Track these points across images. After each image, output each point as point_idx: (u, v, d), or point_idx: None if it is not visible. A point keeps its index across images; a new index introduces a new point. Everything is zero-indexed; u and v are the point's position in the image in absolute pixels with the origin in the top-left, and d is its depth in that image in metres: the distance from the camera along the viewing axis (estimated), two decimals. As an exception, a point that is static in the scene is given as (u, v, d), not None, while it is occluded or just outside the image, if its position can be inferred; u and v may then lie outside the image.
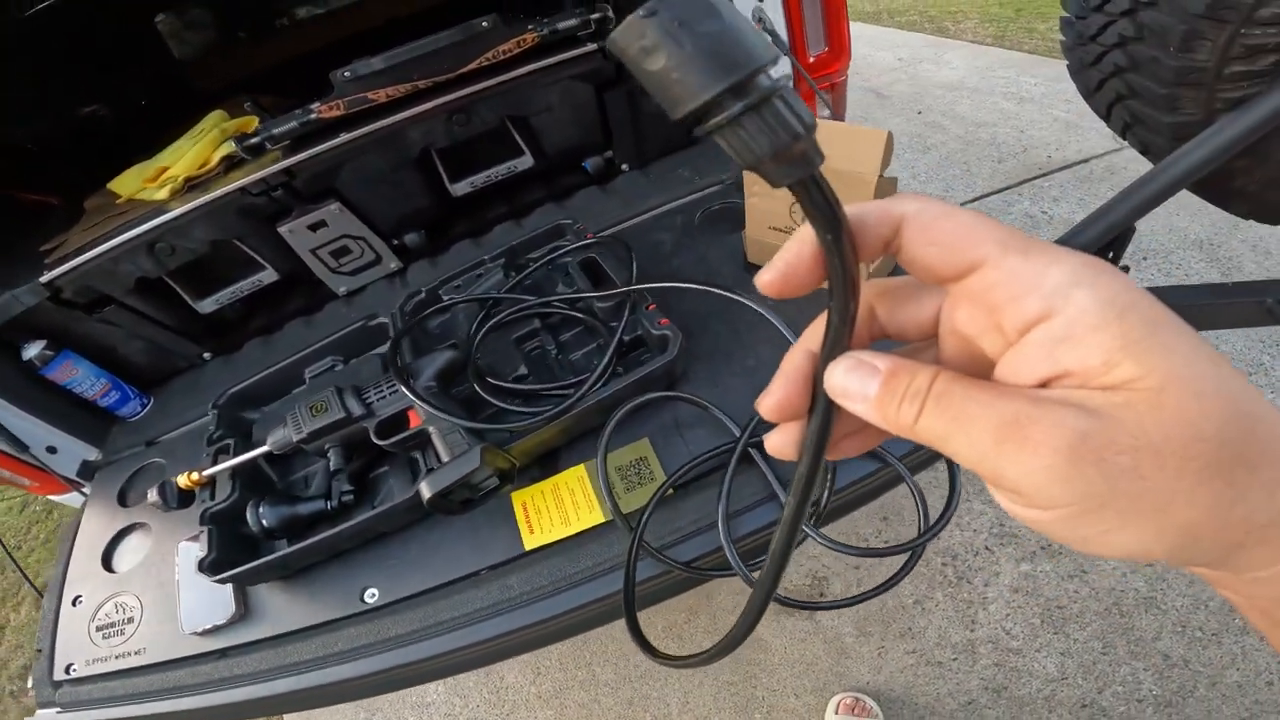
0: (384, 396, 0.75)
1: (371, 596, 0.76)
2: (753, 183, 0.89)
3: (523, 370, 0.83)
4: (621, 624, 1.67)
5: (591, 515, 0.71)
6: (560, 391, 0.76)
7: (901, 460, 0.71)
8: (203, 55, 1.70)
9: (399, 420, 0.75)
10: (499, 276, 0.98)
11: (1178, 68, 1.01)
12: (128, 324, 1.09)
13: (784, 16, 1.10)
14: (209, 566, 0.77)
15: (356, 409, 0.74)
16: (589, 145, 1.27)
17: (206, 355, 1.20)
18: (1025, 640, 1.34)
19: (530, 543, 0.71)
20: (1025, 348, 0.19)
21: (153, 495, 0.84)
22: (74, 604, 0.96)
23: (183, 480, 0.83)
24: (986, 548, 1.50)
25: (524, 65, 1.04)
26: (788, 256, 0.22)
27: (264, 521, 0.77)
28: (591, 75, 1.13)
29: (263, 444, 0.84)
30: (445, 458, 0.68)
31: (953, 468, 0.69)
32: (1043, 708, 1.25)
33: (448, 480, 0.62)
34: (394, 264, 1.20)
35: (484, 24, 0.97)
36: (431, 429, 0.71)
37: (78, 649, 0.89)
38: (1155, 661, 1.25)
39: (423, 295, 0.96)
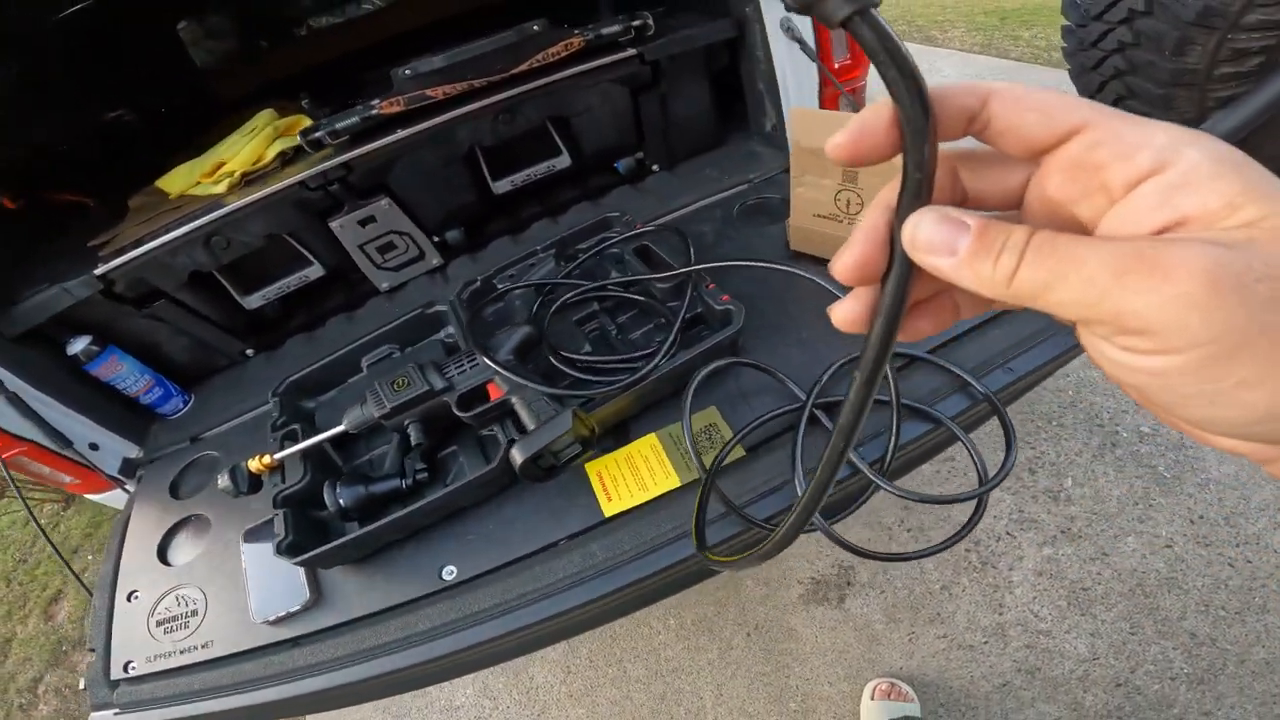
0: (464, 370, 0.78)
1: (450, 574, 0.77)
2: (800, 173, 0.95)
3: (587, 349, 0.87)
4: (652, 620, 1.69)
5: (668, 480, 0.74)
6: (631, 364, 0.80)
7: (954, 420, 0.76)
8: (223, 63, 1.74)
9: (479, 393, 0.78)
10: (551, 265, 1.02)
11: (1173, 70, 1.10)
12: (175, 319, 1.11)
13: (812, 28, 1.18)
14: (288, 548, 0.78)
15: (439, 383, 0.77)
16: (623, 146, 1.32)
17: (249, 351, 1.22)
18: (1054, 622, 1.38)
19: (609, 510, 0.74)
20: (1137, 199, 0.18)
21: (223, 481, 0.85)
22: (129, 599, 0.95)
23: (254, 464, 0.85)
24: (1008, 533, 1.55)
25: (568, 68, 1.10)
26: (862, 118, 0.21)
27: (341, 501, 0.79)
28: (629, 79, 1.19)
29: (328, 428, 0.86)
30: (531, 425, 0.71)
31: (1007, 424, 0.74)
32: (1077, 688, 1.29)
33: (541, 442, 0.65)
34: (436, 260, 1.24)
35: (534, 27, 1.02)
36: (514, 399, 0.74)
37: (137, 646, 0.87)
38: (1183, 640, 1.30)
39: (478, 284, 1.00)
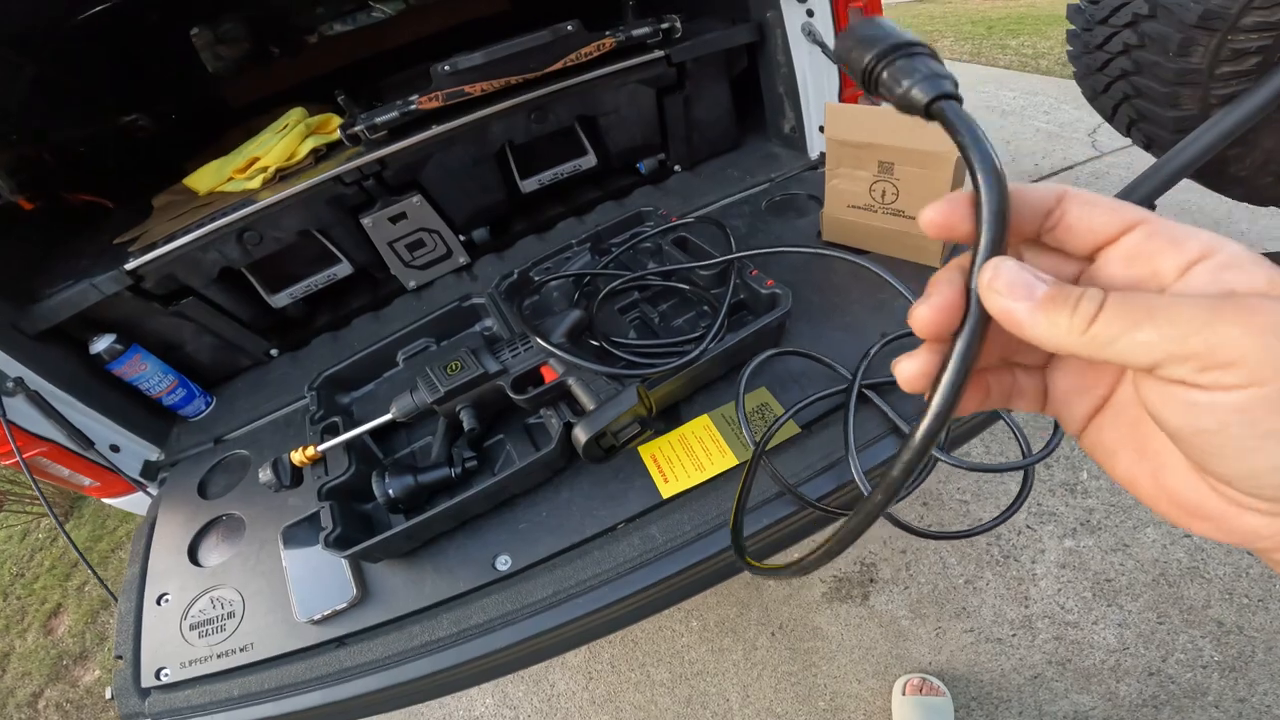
0: (517, 354, 0.78)
1: (504, 564, 0.75)
2: (835, 165, 0.97)
3: (632, 335, 0.88)
4: (674, 622, 1.67)
5: (724, 459, 0.74)
6: (679, 349, 0.81)
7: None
8: (234, 69, 1.74)
9: (532, 376, 0.78)
10: (587, 258, 1.03)
11: (1177, 70, 1.15)
12: (202, 317, 1.09)
13: (834, 32, 1.22)
14: (336, 541, 0.76)
15: (493, 366, 0.77)
16: (646, 147, 1.34)
17: (273, 351, 1.21)
18: (1081, 613, 1.39)
19: (667, 491, 0.74)
20: (1190, 278, 0.21)
21: (265, 474, 0.84)
22: (159, 603, 0.91)
23: (296, 457, 0.84)
24: (1028, 526, 1.56)
25: (600, 68, 1.12)
26: (951, 198, 0.23)
27: (390, 492, 0.78)
28: (655, 80, 1.22)
29: (367, 420, 0.86)
30: (590, 405, 0.71)
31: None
32: (1110, 677, 1.29)
33: (607, 419, 0.65)
34: (463, 258, 1.24)
35: (569, 28, 1.05)
36: (571, 380, 0.74)
37: (170, 651, 0.84)
38: (1211, 629, 1.31)
39: (515, 276, 1.00)
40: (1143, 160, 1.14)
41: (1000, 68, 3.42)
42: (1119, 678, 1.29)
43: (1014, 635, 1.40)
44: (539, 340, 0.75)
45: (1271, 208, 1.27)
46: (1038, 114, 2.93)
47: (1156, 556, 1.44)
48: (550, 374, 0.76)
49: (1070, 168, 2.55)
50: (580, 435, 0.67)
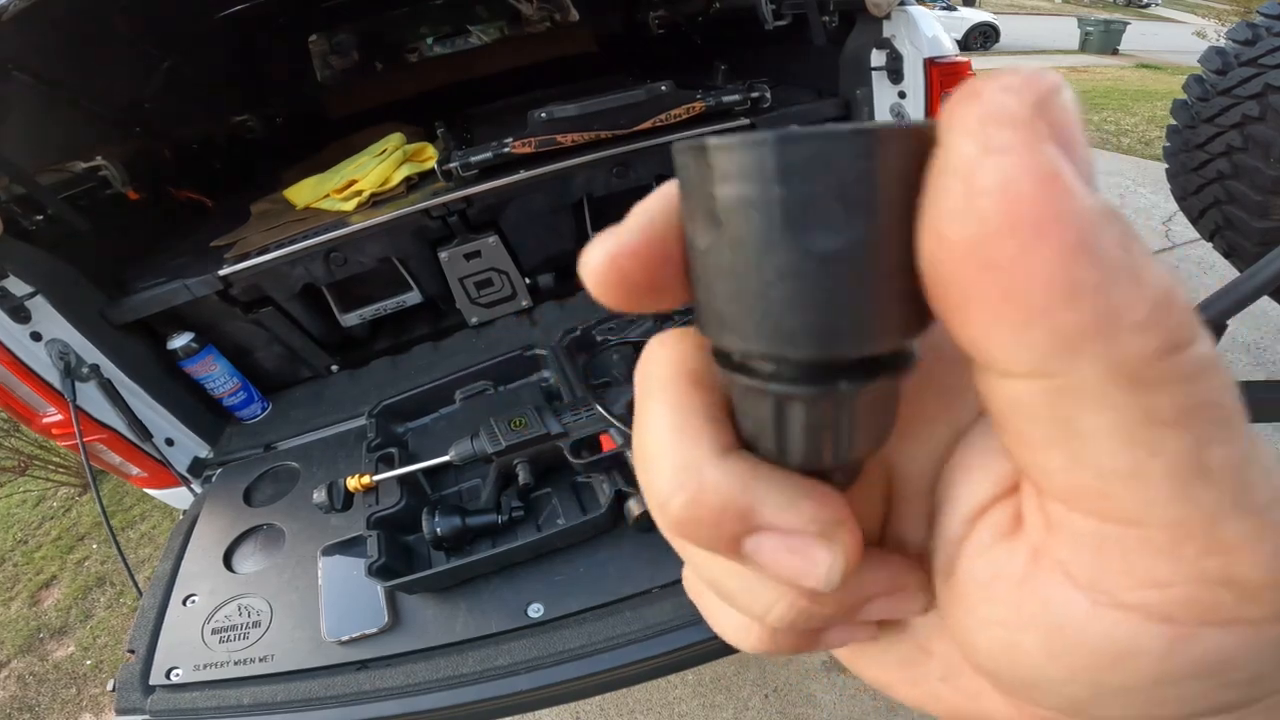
0: (579, 418, 0.86)
1: (536, 611, 0.82)
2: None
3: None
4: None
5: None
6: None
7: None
8: (340, 80, 1.94)
9: (590, 442, 0.85)
10: (649, 325, 1.11)
11: (1276, 177, 1.19)
12: (276, 327, 1.21)
13: (924, 113, 1.30)
14: (379, 570, 0.83)
15: (555, 427, 0.85)
16: (719, 211, 1.44)
17: (334, 367, 1.32)
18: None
19: (707, 568, 0.80)
20: (972, 551, 0.13)
21: (319, 495, 0.92)
22: (185, 603, 0.98)
23: (352, 483, 0.92)
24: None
25: (688, 130, 1.22)
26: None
27: (438, 530, 0.86)
28: (737, 147, 1.32)
29: (419, 453, 0.94)
30: (645, 481, 0.78)
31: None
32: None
33: (663, 499, 0.71)
34: (525, 301, 1.34)
35: (662, 88, 1.16)
36: (629, 453, 0.81)
37: (186, 652, 0.90)
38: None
39: (579, 333, 1.09)
40: (1216, 255, 1.18)
41: (1081, 143, 3.50)
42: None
43: None
44: (604, 411, 0.83)
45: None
46: (1112, 197, 2.98)
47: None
48: (609, 443, 0.83)
49: (1143, 258, 2.60)
50: (634, 508, 0.73)
